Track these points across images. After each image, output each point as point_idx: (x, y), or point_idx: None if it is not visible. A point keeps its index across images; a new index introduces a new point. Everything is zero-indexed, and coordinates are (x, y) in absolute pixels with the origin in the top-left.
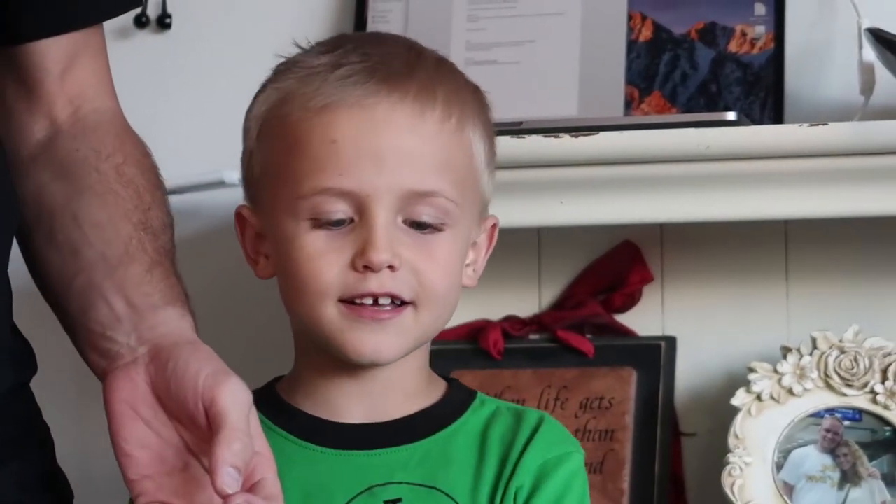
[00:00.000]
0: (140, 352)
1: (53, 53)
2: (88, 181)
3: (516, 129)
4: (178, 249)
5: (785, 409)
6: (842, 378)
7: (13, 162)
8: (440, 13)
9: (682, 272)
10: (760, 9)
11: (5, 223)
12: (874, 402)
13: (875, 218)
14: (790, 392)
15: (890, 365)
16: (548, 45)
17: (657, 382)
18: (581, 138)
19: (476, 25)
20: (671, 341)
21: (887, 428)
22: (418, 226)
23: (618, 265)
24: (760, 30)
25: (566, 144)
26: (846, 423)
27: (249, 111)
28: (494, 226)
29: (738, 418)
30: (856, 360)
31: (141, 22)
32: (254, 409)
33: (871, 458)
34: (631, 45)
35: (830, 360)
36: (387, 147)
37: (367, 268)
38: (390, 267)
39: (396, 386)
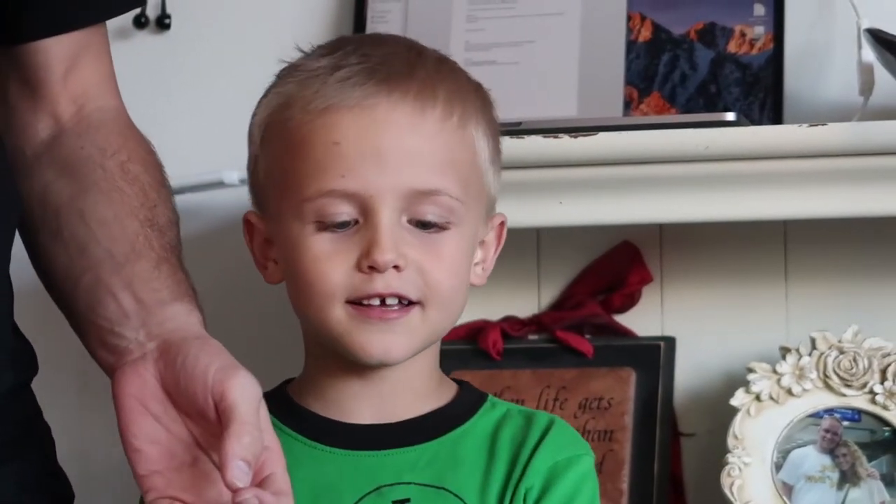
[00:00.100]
0: (149, 347)
1: (56, 53)
2: (94, 179)
3: (515, 130)
4: None
5: (784, 409)
6: (841, 378)
7: (18, 161)
8: (439, 14)
9: (681, 272)
10: (760, 9)
11: (6, 221)
12: (873, 402)
13: (874, 218)
14: (789, 392)
15: (889, 365)
16: (547, 45)
17: (656, 383)
18: (580, 139)
19: (475, 26)
20: (670, 342)
21: (886, 428)
22: (423, 225)
23: (617, 265)
24: (760, 30)
25: (565, 145)
26: (845, 423)
27: (253, 117)
28: (502, 224)
29: (738, 418)
30: (855, 360)
31: (140, 22)
32: (263, 404)
33: (870, 459)
34: (630, 45)
35: (829, 360)
36: (388, 147)
37: (373, 268)
38: (396, 267)
39: (406, 387)
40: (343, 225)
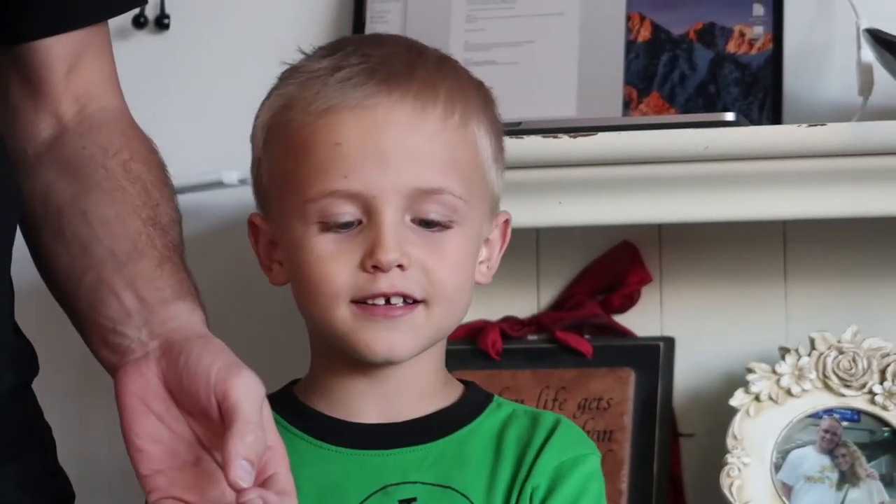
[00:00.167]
0: (151, 346)
1: (58, 52)
2: (96, 178)
3: (515, 130)
4: None
5: (783, 409)
6: (840, 379)
7: (20, 161)
8: (439, 14)
9: (680, 273)
10: (759, 9)
11: (7, 221)
12: (872, 402)
13: (874, 218)
14: (788, 393)
15: (888, 365)
16: (546, 45)
17: (655, 383)
18: (580, 139)
19: (475, 26)
20: (669, 342)
21: (886, 428)
22: (426, 224)
23: (616, 266)
24: (759, 30)
25: (565, 145)
26: (844, 423)
27: (256, 119)
28: (507, 221)
29: (737, 419)
30: (854, 360)
31: (139, 22)
32: (266, 403)
33: (869, 459)
34: (629, 45)
35: (829, 360)
36: (390, 147)
37: (377, 268)
38: (400, 266)
39: (411, 386)
40: (346, 225)
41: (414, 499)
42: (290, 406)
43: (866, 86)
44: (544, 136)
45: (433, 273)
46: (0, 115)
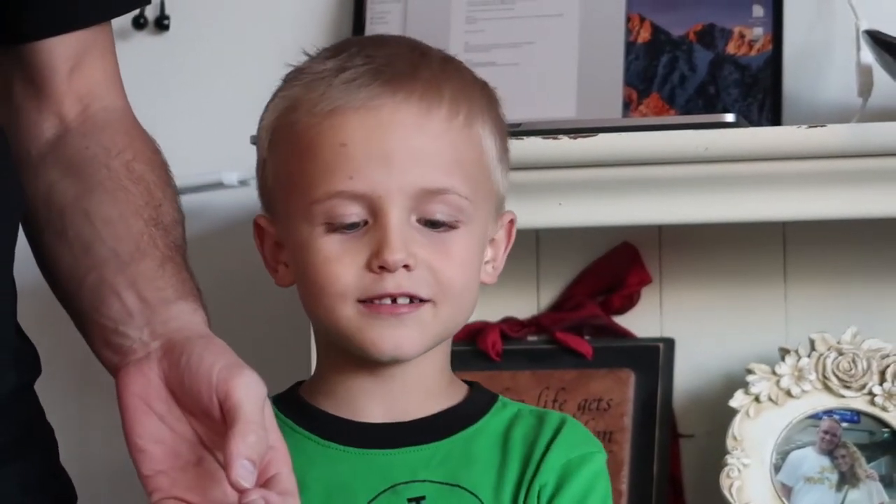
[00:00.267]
0: (153, 346)
1: (61, 52)
2: (98, 178)
3: (515, 131)
4: None
5: (783, 410)
6: (840, 380)
7: (23, 161)
8: (439, 14)
9: (680, 274)
10: (759, 10)
11: (9, 221)
12: (872, 403)
13: (873, 220)
14: (788, 394)
15: (888, 366)
16: (546, 46)
17: (655, 384)
18: (580, 140)
19: (474, 27)
20: (669, 343)
21: (885, 429)
22: (432, 224)
23: (616, 267)
24: (758, 31)
25: (565, 146)
26: (844, 424)
27: (260, 122)
28: (512, 221)
29: (737, 420)
30: (854, 361)
31: (139, 23)
32: (268, 403)
33: (869, 460)
34: (629, 46)
35: (829, 361)
36: (395, 147)
37: (383, 268)
38: (406, 266)
39: (417, 385)
40: (352, 226)
41: (423, 497)
42: (296, 407)
43: (866, 87)
44: (544, 138)
45: (440, 273)
46: (3, 115)
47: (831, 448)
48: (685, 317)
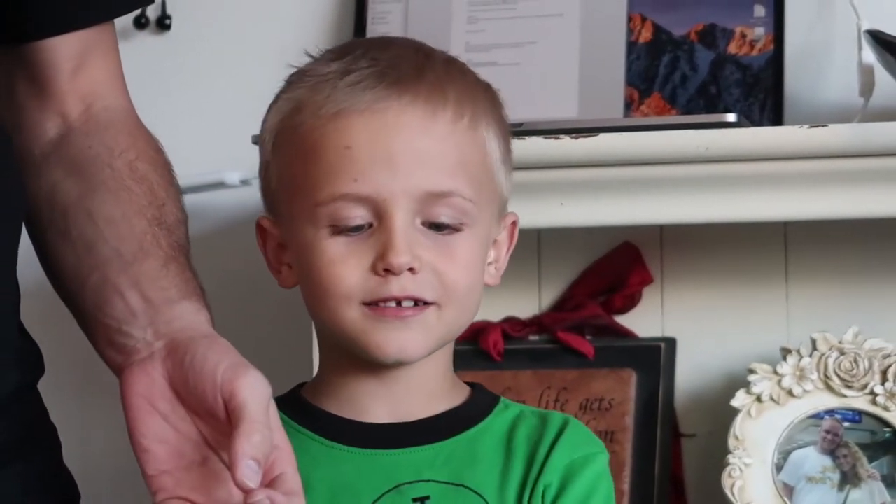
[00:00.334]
0: (156, 346)
1: (64, 51)
2: (102, 178)
3: (516, 131)
4: None
5: (785, 410)
6: (841, 379)
7: (26, 160)
8: (440, 14)
9: (681, 273)
10: (760, 10)
11: (12, 221)
12: (874, 403)
13: (875, 219)
14: (790, 393)
15: (890, 366)
16: (548, 46)
17: (657, 384)
18: (581, 140)
19: (476, 27)
20: (671, 343)
21: (887, 429)
22: (437, 227)
23: (618, 266)
24: (760, 31)
25: (566, 146)
26: (846, 424)
27: (264, 123)
28: (514, 223)
29: (738, 419)
30: (855, 361)
31: (140, 23)
32: (273, 403)
33: (870, 460)
34: (631, 46)
35: (830, 361)
36: (400, 150)
37: (388, 271)
38: (411, 269)
39: (420, 387)
40: (357, 228)
41: (427, 497)
42: (298, 407)
43: (867, 87)
44: (546, 137)
45: (444, 275)
46: (6, 115)
47: (833, 448)
48: (687, 316)
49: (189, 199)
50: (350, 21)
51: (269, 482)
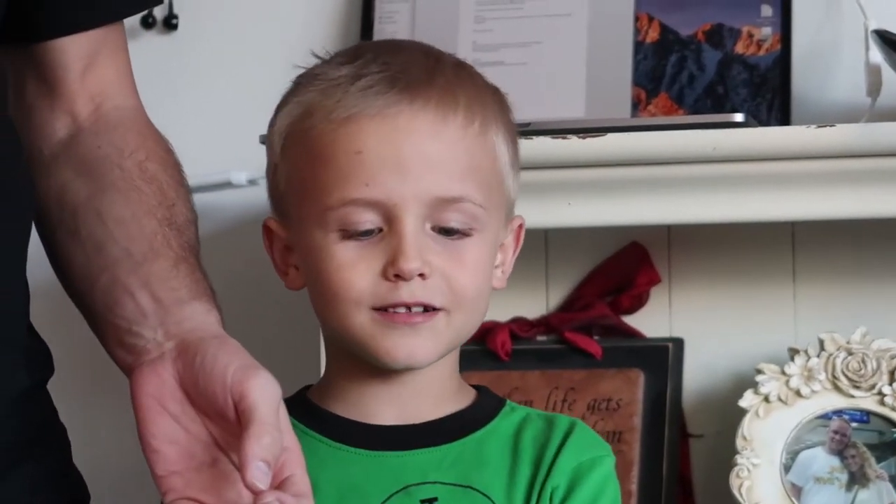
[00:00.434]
0: (167, 346)
1: (74, 51)
2: (111, 178)
3: (524, 131)
4: None
5: (793, 410)
6: (849, 380)
7: (35, 160)
8: (447, 14)
9: (689, 274)
10: (767, 10)
11: (22, 221)
12: (882, 403)
13: (882, 220)
14: (798, 394)
15: None
16: (555, 46)
17: (665, 384)
18: (588, 140)
19: (483, 26)
20: (679, 343)
21: (895, 429)
22: (447, 232)
23: (625, 267)
24: (767, 31)
25: (573, 146)
26: (854, 424)
27: (272, 125)
28: (521, 226)
29: (746, 420)
30: (863, 361)
31: (148, 23)
32: (283, 404)
33: (878, 460)
34: (638, 46)
35: (838, 361)
36: (410, 155)
37: (399, 276)
38: (421, 275)
39: (428, 390)
40: (367, 233)
41: (435, 499)
42: (305, 410)
43: (875, 87)
44: (553, 137)
45: (454, 281)
46: (16, 115)
47: (841, 448)
48: (694, 317)
49: (196, 199)
50: (357, 21)
51: (279, 484)
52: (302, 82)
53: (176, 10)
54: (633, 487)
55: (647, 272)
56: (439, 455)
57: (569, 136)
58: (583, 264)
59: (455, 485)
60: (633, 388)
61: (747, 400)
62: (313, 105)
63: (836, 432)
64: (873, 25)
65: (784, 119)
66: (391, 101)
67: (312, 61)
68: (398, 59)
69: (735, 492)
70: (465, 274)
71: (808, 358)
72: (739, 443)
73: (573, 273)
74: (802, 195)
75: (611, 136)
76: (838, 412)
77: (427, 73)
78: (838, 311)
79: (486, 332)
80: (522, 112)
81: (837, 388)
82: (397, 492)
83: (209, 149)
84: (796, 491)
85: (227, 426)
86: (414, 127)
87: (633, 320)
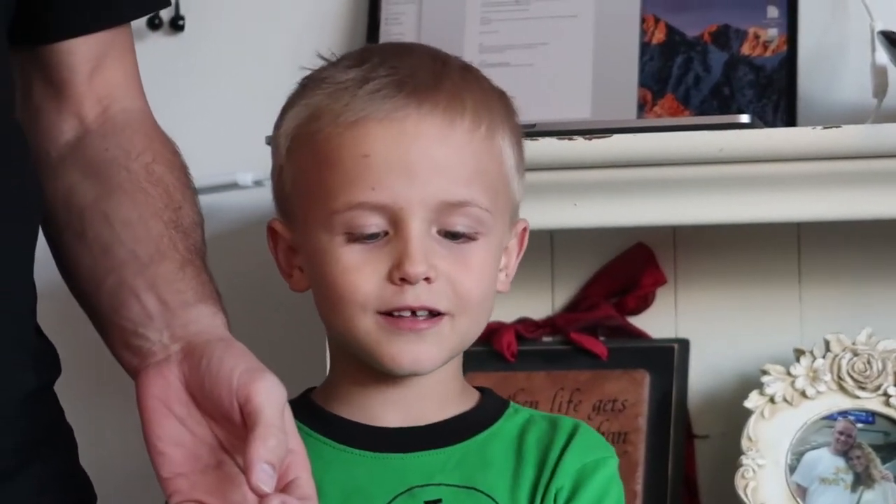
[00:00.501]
0: (173, 349)
1: (82, 53)
2: (118, 180)
3: (530, 132)
4: None
5: (798, 411)
6: (855, 380)
7: (42, 162)
8: (453, 15)
9: (695, 274)
10: (773, 11)
11: (29, 223)
12: (887, 404)
13: (888, 220)
14: (803, 394)
15: None
16: (561, 47)
17: (670, 385)
18: (594, 141)
19: (489, 28)
20: (684, 343)
21: None
22: (452, 236)
23: (631, 267)
24: (773, 32)
25: (579, 147)
26: (859, 425)
27: (278, 127)
28: (525, 229)
29: (752, 420)
30: (869, 362)
31: (154, 24)
32: (288, 407)
33: (884, 461)
34: (644, 47)
35: (843, 362)
36: (418, 159)
37: (405, 280)
38: (426, 279)
39: (432, 393)
40: (373, 237)
41: (439, 500)
42: (309, 412)
43: (881, 88)
44: (559, 138)
45: (459, 285)
46: (23, 117)
47: (846, 449)
48: (700, 317)
49: (202, 200)
50: (363, 22)
51: (284, 486)
52: (308, 85)
53: (182, 12)
54: (639, 488)
55: (653, 273)
56: (443, 457)
57: (575, 137)
58: (588, 265)
59: (459, 486)
60: (638, 389)
61: (753, 401)
62: (320, 108)
63: (841, 433)
64: (879, 26)
65: (790, 120)
66: (399, 104)
67: (318, 63)
68: (405, 62)
69: (740, 492)
70: (470, 278)
71: (814, 359)
72: (745, 443)
73: (579, 274)
74: (808, 196)
75: (617, 137)
76: (844, 413)
77: (434, 76)
78: (844, 311)
79: (492, 333)
80: (528, 113)
81: (843, 389)
82: (401, 493)
83: (215, 150)
84: (801, 492)
85: (233, 429)
86: (421, 131)
87: (639, 321)
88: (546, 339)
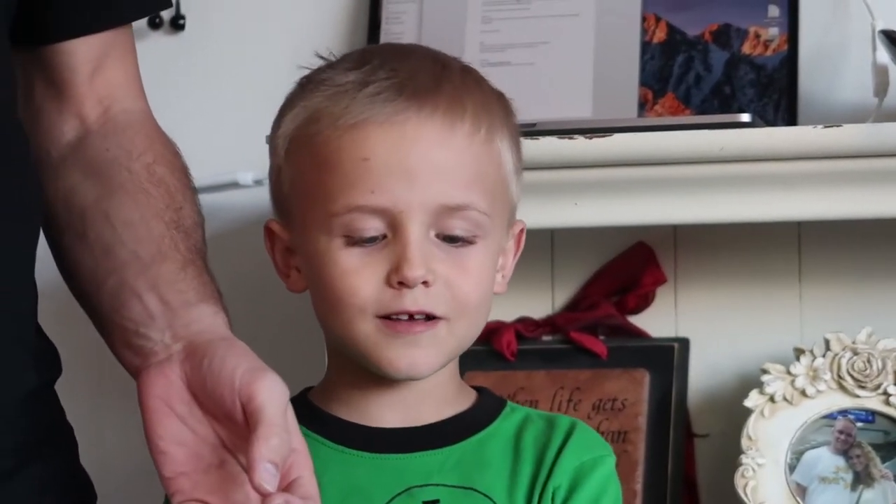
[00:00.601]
0: (174, 349)
1: (83, 53)
2: (119, 180)
3: (530, 131)
4: None
5: (798, 410)
6: (855, 380)
7: (43, 163)
8: (454, 15)
9: (695, 274)
10: (774, 10)
11: (30, 223)
12: (887, 403)
13: (889, 220)
14: (803, 393)
15: None
16: (562, 46)
17: (670, 384)
18: (595, 140)
19: (490, 27)
20: (684, 343)
21: None
22: (450, 239)
23: (631, 267)
24: (774, 31)
25: (580, 146)
26: (859, 424)
27: (276, 128)
28: (522, 230)
29: (751, 420)
30: (869, 361)
31: (154, 23)
32: (290, 406)
33: (883, 460)
34: (645, 46)
35: (843, 361)
36: (418, 162)
37: (403, 284)
38: (424, 283)
39: (430, 394)
40: (371, 240)
41: (437, 500)
42: (307, 412)
43: (882, 87)
44: (560, 137)
45: (457, 289)
46: (24, 117)
47: (846, 448)
48: (700, 317)
49: (202, 200)
50: (364, 21)
51: (286, 486)
52: (307, 86)
53: (183, 11)
54: (638, 487)
55: (653, 272)
56: (441, 457)
57: (575, 136)
58: (589, 264)
59: (457, 486)
60: (638, 388)
61: (752, 400)
62: (320, 110)
63: (841, 432)
64: (880, 25)
65: (791, 119)
66: (399, 108)
67: (317, 63)
68: (405, 65)
69: (740, 491)
70: (468, 282)
71: (814, 358)
72: (744, 443)
73: (579, 273)
74: (809, 195)
75: (617, 136)
76: (843, 412)
77: (434, 79)
78: (844, 311)
79: (492, 333)
80: (529, 112)
81: (843, 388)
82: (400, 494)
83: (215, 149)
84: (801, 491)
85: (235, 428)
86: (421, 135)
87: (639, 320)
88: (546, 338)
